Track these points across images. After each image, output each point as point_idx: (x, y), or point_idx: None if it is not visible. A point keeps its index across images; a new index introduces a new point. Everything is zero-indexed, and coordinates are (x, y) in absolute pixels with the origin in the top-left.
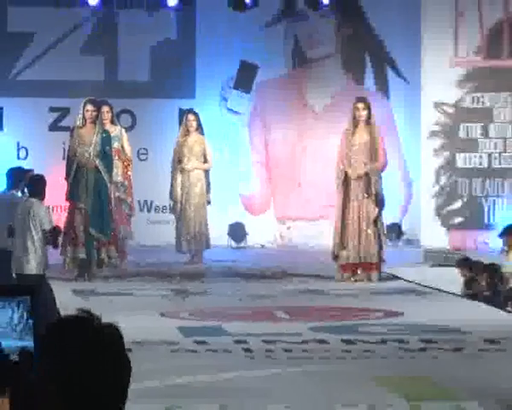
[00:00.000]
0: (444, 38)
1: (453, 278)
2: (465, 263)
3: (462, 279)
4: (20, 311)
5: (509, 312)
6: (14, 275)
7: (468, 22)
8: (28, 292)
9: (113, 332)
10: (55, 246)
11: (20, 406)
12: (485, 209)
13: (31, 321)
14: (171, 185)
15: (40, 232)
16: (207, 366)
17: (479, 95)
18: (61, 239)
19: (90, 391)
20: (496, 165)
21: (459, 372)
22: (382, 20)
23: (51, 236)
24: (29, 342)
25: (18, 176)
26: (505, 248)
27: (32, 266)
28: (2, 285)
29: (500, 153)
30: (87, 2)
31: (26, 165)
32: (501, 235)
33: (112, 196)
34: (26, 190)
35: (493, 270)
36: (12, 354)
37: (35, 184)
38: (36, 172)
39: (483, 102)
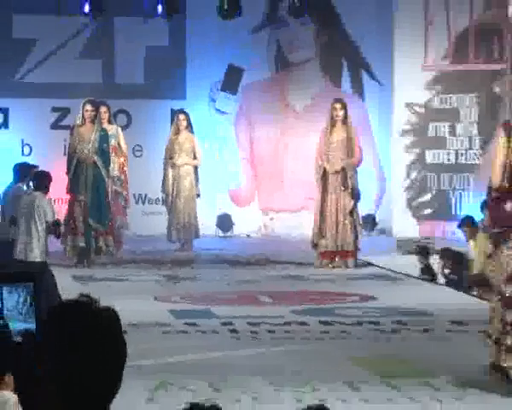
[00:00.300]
0: (414, 44)
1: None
2: (422, 252)
3: (419, 266)
4: (24, 296)
5: (474, 296)
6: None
7: (437, 30)
8: (31, 279)
9: (110, 315)
10: (59, 236)
11: (21, 382)
12: (453, 202)
13: (34, 305)
14: (163, 179)
15: (44, 223)
16: (197, 346)
17: (446, 96)
18: (62, 229)
19: (89, 366)
20: (462, 161)
21: (428, 352)
22: (358, 27)
23: (55, 230)
24: (32, 325)
25: (24, 171)
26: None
27: (35, 254)
28: (7, 272)
29: (466, 150)
30: (84, 11)
31: (29, 161)
32: (459, 226)
33: (109, 189)
34: (31, 184)
35: (459, 257)
36: (16, 336)
37: (39, 179)
38: (39, 167)
39: (450, 103)
